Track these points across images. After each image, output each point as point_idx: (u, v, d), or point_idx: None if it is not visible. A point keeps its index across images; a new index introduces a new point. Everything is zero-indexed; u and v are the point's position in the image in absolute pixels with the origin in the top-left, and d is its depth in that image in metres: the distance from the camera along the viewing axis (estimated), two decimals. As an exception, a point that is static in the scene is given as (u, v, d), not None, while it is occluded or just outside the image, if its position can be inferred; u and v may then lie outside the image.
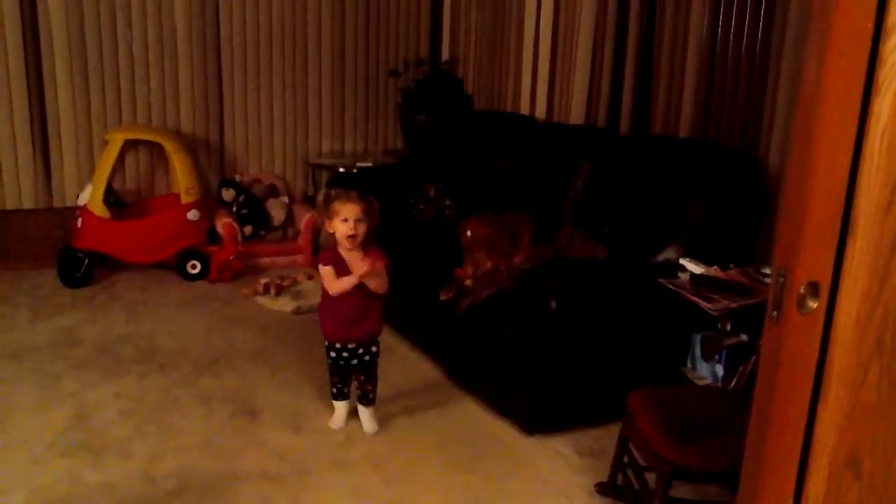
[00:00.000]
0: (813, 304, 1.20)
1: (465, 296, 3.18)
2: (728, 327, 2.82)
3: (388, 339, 3.41)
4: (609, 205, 3.42)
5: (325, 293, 2.78)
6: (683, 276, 2.87)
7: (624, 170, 3.46)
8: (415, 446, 2.83)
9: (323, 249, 2.78)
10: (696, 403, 2.36)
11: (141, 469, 2.62)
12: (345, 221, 2.65)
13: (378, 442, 2.86)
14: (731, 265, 2.90)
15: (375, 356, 2.87)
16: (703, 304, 2.67)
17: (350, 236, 2.65)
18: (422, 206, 4.24)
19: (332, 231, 2.70)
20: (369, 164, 5.03)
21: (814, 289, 1.19)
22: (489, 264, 3.27)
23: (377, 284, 2.71)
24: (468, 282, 3.28)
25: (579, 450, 2.82)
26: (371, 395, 2.91)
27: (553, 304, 2.72)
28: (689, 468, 2.12)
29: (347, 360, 2.83)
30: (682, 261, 2.94)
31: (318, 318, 2.86)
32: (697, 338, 2.90)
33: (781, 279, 1.25)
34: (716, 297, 2.69)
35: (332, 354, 2.84)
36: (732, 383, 2.51)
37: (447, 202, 4.24)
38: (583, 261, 3.21)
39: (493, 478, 2.65)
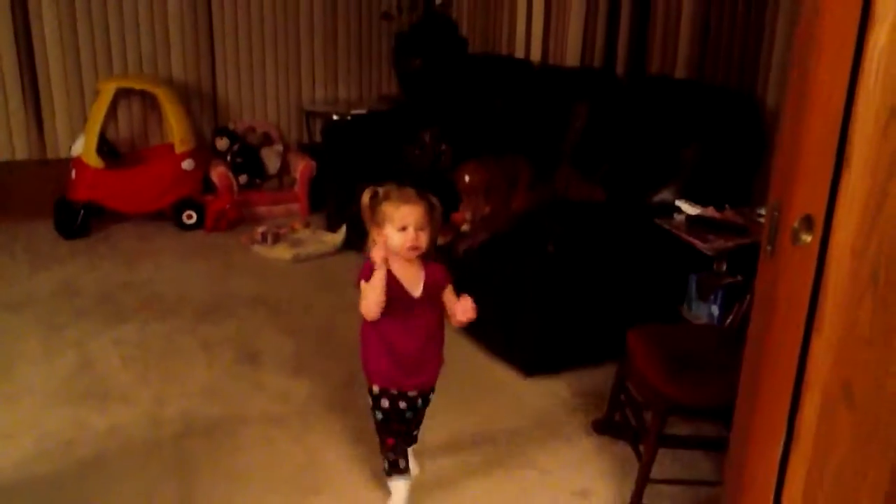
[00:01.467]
0: (807, 238, 1.21)
1: (462, 240, 3.19)
2: (724, 268, 2.84)
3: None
4: (606, 147, 3.41)
5: (367, 322, 2.05)
6: (679, 217, 2.88)
7: (620, 111, 3.43)
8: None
9: (366, 261, 2.02)
10: (692, 341, 2.39)
11: (146, 413, 2.66)
12: (403, 230, 1.99)
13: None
14: (727, 206, 2.91)
15: (429, 402, 2.26)
16: (698, 243, 2.68)
17: (411, 248, 2.01)
18: (418, 152, 4.21)
19: (381, 241, 2.00)
20: (363, 111, 4.98)
21: (808, 222, 1.20)
22: (488, 209, 3.28)
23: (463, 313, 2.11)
24: (465, 226, 3.29)
25: (576, 391, 2.87)
26: (416, 435, 2.32)
27: (550, 247, 2.73)
28: (685, 403, 2.15)
29: (404, 412, 2.16)
30: (678, 202, 2.94)
31: (361, 358, 2.15)
32: (693, 278, 2.93)
33: (776, 213, 1.26)
34: (711, 236, 2.70)
35: (385, 405, 2.12)
36: (727, 322, 2.54)
37: (443, 147, 4.21)
38: (580, 203, 3.22)
39: (491, 419, 2.70)
